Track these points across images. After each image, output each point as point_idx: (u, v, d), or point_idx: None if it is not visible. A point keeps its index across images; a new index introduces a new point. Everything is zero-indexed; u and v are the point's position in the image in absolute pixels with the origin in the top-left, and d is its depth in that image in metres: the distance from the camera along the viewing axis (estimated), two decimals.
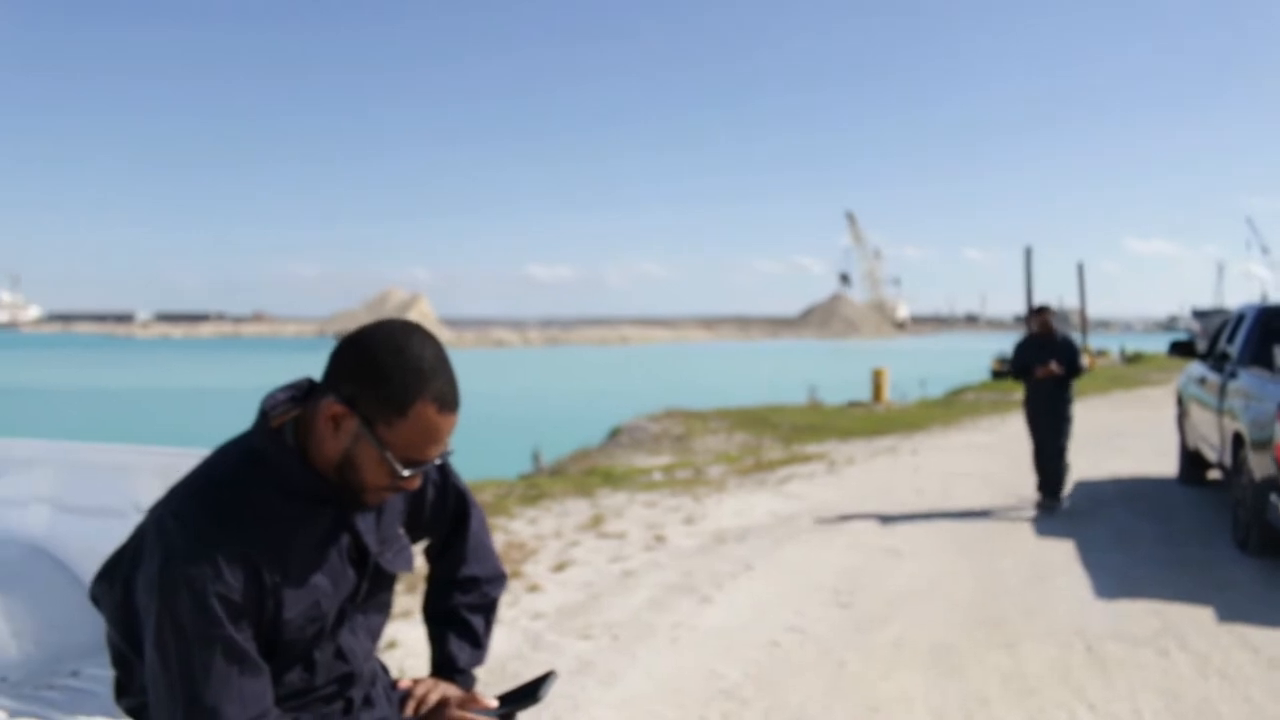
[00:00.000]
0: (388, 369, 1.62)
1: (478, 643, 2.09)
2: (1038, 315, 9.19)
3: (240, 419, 1.86)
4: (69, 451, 3.05)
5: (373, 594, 1.86)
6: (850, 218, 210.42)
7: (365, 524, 1.80)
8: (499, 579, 2.13)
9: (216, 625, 1.57)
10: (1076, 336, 41.79)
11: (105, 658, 2.64)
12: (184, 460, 2.37)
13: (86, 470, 2.91)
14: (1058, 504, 8.91)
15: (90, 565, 2.76)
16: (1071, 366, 8.96)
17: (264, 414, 1.72)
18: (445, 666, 2.05)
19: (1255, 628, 5.41)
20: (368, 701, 1.87)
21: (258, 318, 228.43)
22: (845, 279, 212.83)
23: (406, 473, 1.67)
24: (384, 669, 1.99)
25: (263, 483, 1.67)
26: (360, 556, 1.79)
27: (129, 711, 1.81)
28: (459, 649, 2.06)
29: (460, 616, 2.08)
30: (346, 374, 1.66)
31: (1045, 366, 8.86)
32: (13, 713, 2.41)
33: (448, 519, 2.07)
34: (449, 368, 1.69)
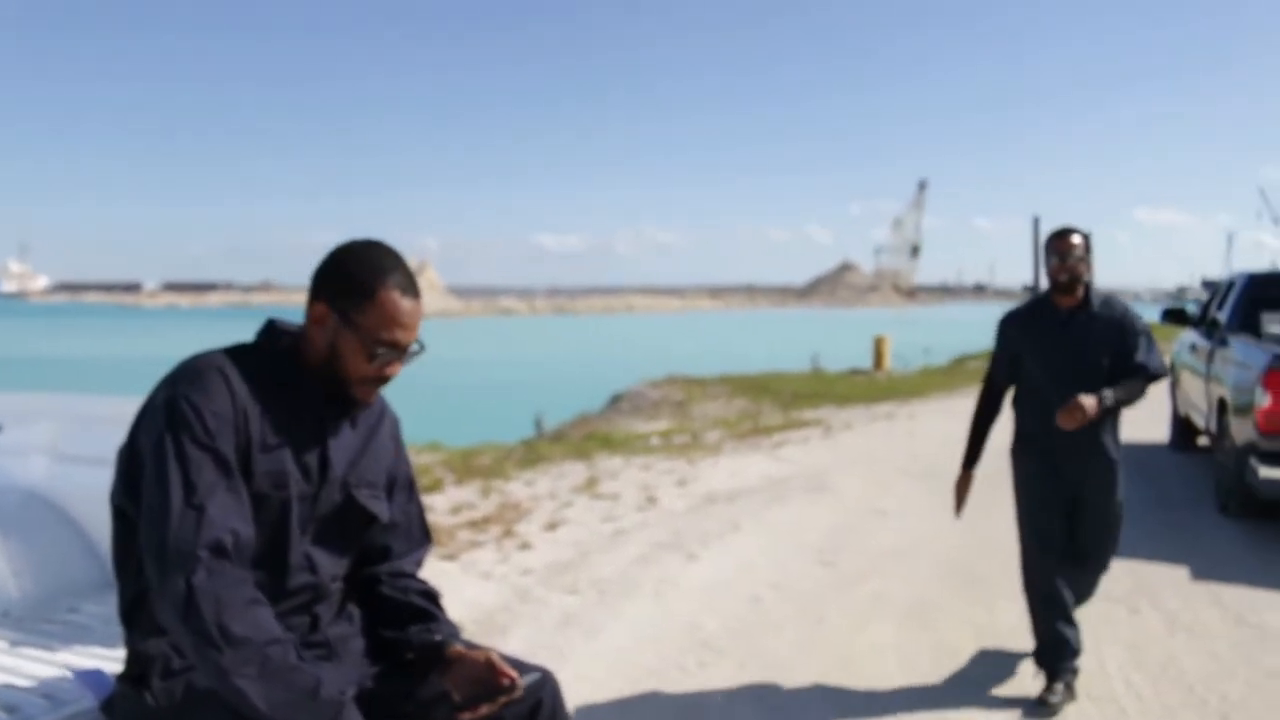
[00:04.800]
0: (354, 267, 1.96)
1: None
2: (1056, 244, 4.00)
3: None
4: (68, 404, 3.19)
5: (340, 521, 2.01)
6: (922, 185, 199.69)
7: (339, 445, 2.00)
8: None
9: (209, 437, 1.79)
10: None
11: (101, 595, 2.80)
12: None
13: (85, 421, 3.04)
14: (1067, 689, 4.14)
15: (89, 508, 2.90)
16: (1137, 376, 4.04)
17: (270, 322, 2.02)
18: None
19: (1227, 586, 5.54)
20: (335, 620, 2.02)
21: (265, 287, 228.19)
22: (915, 251, 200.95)
23: (381, 351, 1.91)
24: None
25: (257, 366, 1.93)
26: (322, 467, 1.97)
27: (122, 570, 1.95)
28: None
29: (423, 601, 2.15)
30: (323, 281, 1.98)
31: (1071, 409, 3.88)
32: (14, 643, 2.56)
33: (409, 528, 2.19)
34: (405, 264, 1.99)
